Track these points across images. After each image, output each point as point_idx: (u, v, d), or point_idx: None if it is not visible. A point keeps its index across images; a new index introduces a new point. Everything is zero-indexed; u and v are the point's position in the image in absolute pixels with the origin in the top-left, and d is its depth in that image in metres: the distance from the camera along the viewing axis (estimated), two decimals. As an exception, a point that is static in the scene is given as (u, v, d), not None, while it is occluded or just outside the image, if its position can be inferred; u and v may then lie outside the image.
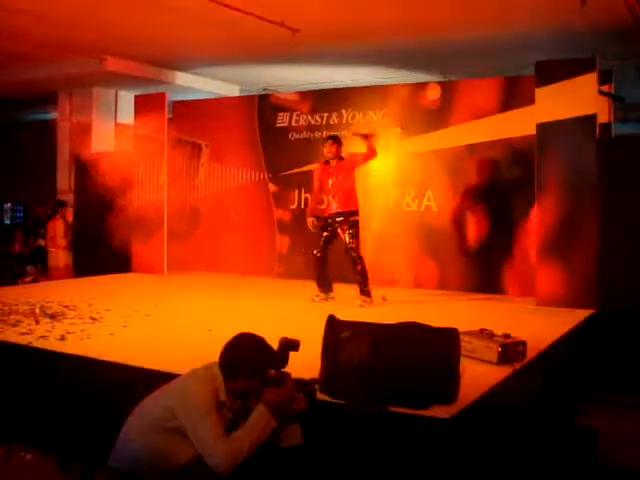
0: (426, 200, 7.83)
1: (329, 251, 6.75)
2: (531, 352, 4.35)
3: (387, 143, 7.81)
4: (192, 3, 6.78)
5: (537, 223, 6.69)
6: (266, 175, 8.91)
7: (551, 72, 6.58)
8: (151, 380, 3.48)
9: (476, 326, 4.52)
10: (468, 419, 3.32)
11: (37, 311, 5.73)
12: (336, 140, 6.77)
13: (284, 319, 5.71)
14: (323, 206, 6.94)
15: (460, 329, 3.66)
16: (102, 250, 9.17)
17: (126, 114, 10.22)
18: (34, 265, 10.19)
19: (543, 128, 6.59)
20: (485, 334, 4.37)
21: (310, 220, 6.85)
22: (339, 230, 6.60)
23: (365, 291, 6.58)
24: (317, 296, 6.75)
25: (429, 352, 3.39)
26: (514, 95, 7.39)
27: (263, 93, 10.33)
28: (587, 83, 6.45)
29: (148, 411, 3.04)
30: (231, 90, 10.97)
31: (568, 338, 5.29)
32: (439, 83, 8.19)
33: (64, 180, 10.68)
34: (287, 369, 3.10)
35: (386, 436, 3.26)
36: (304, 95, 8.87)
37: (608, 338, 6.18)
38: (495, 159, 7.49)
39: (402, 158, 8.01)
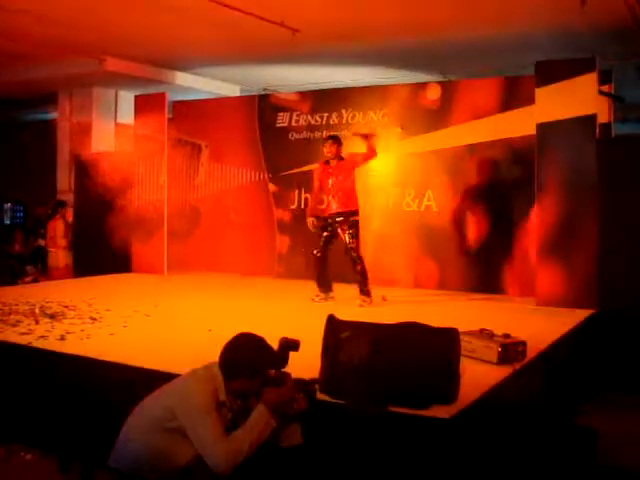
0: (426, 200, 7.83)
1: (329, 251, 6.75)
2: (531, 352, 4.35)
3: (387, 143, 7.81)
4: (192, 3, 6.78)
5: (537, 223, 6.69)
6: (266, 175, 8.91)
7: (551, 72, 6.58)
8: (151, 380, 3.48)
9: (476, 326, 4.52)
10: (468, 419, 3.31)
11: (37, 311, 5.73)
12: (336, 140, 6.77)
13: (284, 319, 5.71)
14: (323, 206, 6.94)
15: (460, 329, 3.66)
16: (102, 250, 9.17)
17: (126, 114, 10.22)
18: (34, 265, 10.19)
19: (543, 128, 6.59)
20: (485, 334, 4.36)
21: (310, 220, 6.85)
22: (339, 230, 6.60)
23: (365, 291, 6.58)
24: (317, 296, 6.75)
25: (429, 352, 3.39)
26: (514, 95, 7.39)
27: (263, 93, 10.33)
28: (587, 83, 6.45)
29: (148, 411, 3.03)
30: (231, 90, 10.96)
31: (568, 338, 5.29)
32: (439, 83, 8.19)
33: (64, 180, 10.68)
34: (287, 369, 3.10)
35: (386, 436, 3.26)
36: (304, 95, 8.87)
37: (608, 338, 6.18)
38: (495, 159, 7.49)
39: (402, 158, 8.01)
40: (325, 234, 6.72)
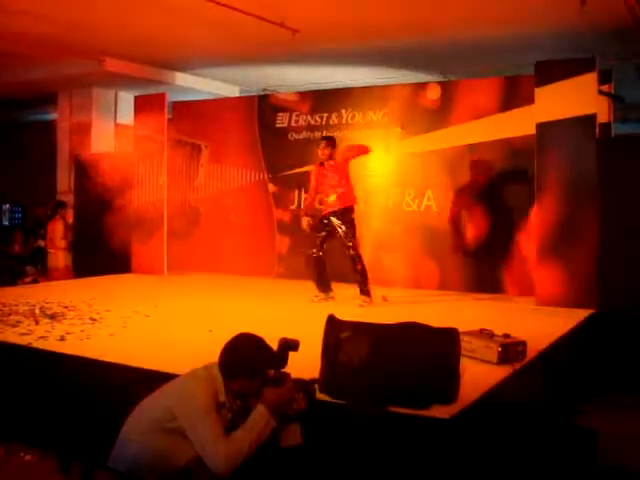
0: (426, 200, 7.83)
1: (326, 251, 6.74)
2: (531, 352, 4.35)
3: (387, 143, 7.81)
4: (192, 3, 6.77)
5: (537, 223, 6.68)
6: (266, 175, 8.91)
7: (551, 72, 6.58)
8: (151, 380, 3.48)
9: (476, 326, 4.51)
10: (468, 419, 3.31)
11: (37, 312, 5.72)
12: (330, 142, 6.75)
13: (284, 319, 5.71)
14: (321, 206, 6.94)
15: (460, 329, 3.66)
16: (102, 251, 9.18)
17: (126, 114, 10.22)
18: (34, 266, 10.18)
19: (543, 128, 6.59)
20: (485, 334, 4.36)
21: (305, 220, 6.86)
22: (335, 227, 6.59)
23: (365, 291, 6.57)
24: (316, 296, 6.75)
25: (429, 352, 3.39)
26: (514, 95, 7.39)
27: (263, 93, 10.33)
28: (587, 83, 6.45)
29: (148, 412, 3.03)
30: (231, 91, 10.96)
31: (568, 338, 5.29)
32: (439, 83, 8.19)
33: (64, 181, 10.67)
34: (287, 369, 3.10)
35: (386, 436, 3.26)
36: (304, 95, 8.87)
37: (608, 338, 6.18)
38: (495, 159, 7.49)
39: (402, 158, 8.01)
40: (322, 234, 6.71)
